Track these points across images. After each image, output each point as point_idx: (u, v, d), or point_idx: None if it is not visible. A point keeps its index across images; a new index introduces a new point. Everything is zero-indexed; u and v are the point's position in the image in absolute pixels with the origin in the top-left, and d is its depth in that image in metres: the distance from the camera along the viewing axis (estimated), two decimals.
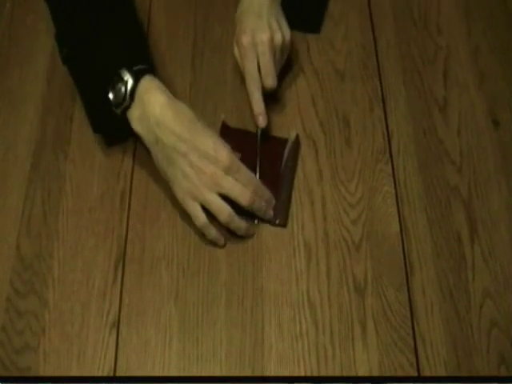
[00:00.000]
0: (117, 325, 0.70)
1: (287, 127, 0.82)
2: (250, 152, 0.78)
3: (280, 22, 0.79)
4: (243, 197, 0.71)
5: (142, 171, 0.78)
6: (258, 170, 0.77)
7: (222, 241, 0.73)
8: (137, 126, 0.72)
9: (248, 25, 0.77)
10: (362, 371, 0.68)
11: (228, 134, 0.80)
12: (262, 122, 0.78)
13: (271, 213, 0.75)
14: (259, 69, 0.77)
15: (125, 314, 0.71)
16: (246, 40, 0.76)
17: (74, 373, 0.68)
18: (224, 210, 0.71)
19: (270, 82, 0.77)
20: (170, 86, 0.82)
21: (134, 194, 0.77)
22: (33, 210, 0.77)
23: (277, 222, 0.75)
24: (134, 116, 0.72)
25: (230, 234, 0.74)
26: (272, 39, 0.76)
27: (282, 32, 0.78)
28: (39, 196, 0.77)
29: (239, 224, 0.72)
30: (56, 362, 0.68)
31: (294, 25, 0.82)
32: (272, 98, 0.82)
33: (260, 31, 0.76)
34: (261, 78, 0.77)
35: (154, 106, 0.70)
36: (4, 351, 0.69)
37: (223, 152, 0.70)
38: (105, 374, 0.68)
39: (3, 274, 0.73)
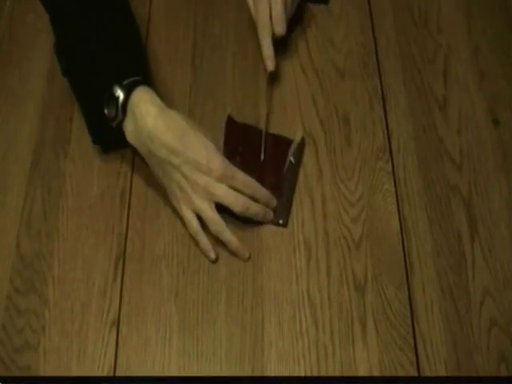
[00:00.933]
0: (117, 323, 0.70)
1: (288, 126, 0.82)
2: (254, 148, 0.78)
3: None
4: (236, 204, 0.71)
5: (142, 170, 0.78)
6: (261, 167, 0.77)
7: (212, 254, 0.72)
8: (131, 139, 0.72)
9: None
10: (362, 370, 0.68)
11: (233, 129, 0.80)
12: (270, 64, 0.81)
13: (271, 215, 0.75)
14: (270, 17, 0.80)
15: (125, 313, 0.71)
16: None
17: (74, 371, 0.68)
18: (214, 220, 0.71)
19: (281, 29, 0.80)
20: (170, 85, 0.83)
21: (134, 192, 0.77)
22: (33, 208, 0.77)
23: (280, 222, 0.75)
24: (129, 129, 0.72)
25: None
26: None
27: None
28: (39, 194, 0.77)
29: (229, 238, 0.72)
30: (56, 361, 0.68)
31: None
32: (272, 97, 0.82)
33: None
34: (272, 25, 0.80)
35: (145, 119, 0.70)
36: (4, 349, 0.69)
37: (216, 161, 0.70)
38: (105, 373, 0.68)
39: (3, 272, 0.73)
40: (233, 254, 0.73)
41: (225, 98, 0.84)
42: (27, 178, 0.78)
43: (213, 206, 0.71)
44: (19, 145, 0.81)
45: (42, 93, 0.84)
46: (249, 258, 0.73)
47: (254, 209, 0.73)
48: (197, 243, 0.73)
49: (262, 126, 0.80)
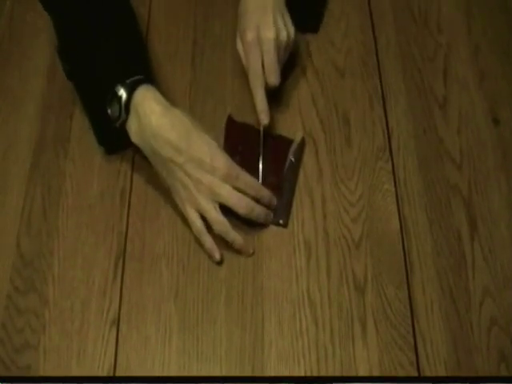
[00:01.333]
0: (117, 322, 0.70)
1: (288, 126, 0.82)
2: (255, 148, 0.78)
3: (285, 18, 0.78)
4: (240, 205, 0.71)
5: (142, 169, 0.78)
6: (260, 169, 0.77)
7: (217, 255, 0.72)
8: (135, 138, 0.72)
9: (253, 20, 0.76)
10: (362, 369, 0.68)
11: (234, 128, 0.80)
12: (264, 118, 0.77)
13: (271, 216, 0.75)
14: (263, 66, 0.76)
15: (125, 312, 0.71)
16: (250, 36, 0.76)
17: (74, 370, 0.68)
18: (219, 221, 0.71)
19: (274, 79, 0.76)
20: (170, 85, 0.83)
21: (133, 191, 0.77)
22: (33, 207, 0.77)
23: (280, 222, 0.75)
24: (132, 129, 0.72)
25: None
26: (277, 37, 0.76)
27: (287, 30, 0.77)
28: (39, 194, 0.77)
29: (234, 237, 0.72)
30: (56, 360, 0.68)
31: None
32: (272, 97, 0.81)
33: (265, 28, 0.75)
34: (264, 75, 0.76)
35: (149, 118, 0.70)
36: (4, 349, 0.69)
37: (220, 160, 0.70)
38: (105, 372, 0.68)
39: (3, 271, 0.73)
40: (237, 251, 0.73)
41: (225, 98, 0.84)
42: (27, 178, 0.78)
43: (217, 206, 0.71)
44: (19, 145, 0.81)
45: (41, 92, 0.84)
46: (253, 252, 0.73)
47: (257, 210, 0.72)
48: (201, 244, 0.73)
49: (262, 126, 0.80)
